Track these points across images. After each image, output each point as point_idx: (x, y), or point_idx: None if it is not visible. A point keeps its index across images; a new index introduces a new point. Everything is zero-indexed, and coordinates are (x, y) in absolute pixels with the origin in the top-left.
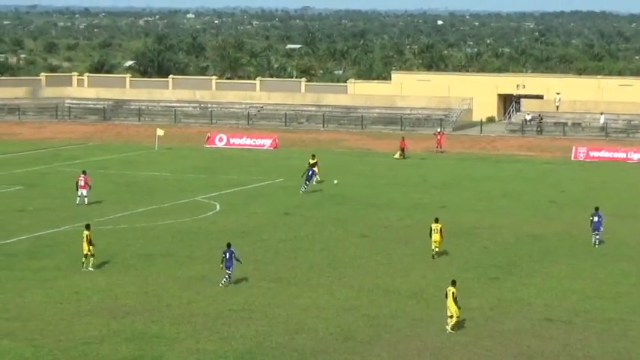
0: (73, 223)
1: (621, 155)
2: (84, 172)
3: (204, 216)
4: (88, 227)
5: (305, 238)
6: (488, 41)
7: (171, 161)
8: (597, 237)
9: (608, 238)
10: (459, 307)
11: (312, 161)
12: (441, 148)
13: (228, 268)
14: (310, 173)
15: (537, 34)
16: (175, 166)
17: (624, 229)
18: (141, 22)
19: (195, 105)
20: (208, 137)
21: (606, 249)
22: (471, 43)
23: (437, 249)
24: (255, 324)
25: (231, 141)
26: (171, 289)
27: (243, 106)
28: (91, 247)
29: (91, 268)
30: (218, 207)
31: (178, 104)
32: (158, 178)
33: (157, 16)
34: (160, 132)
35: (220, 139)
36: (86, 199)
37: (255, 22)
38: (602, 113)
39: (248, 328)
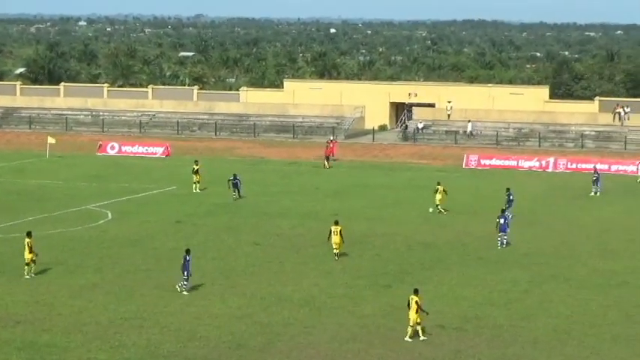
0: None
1: (512, 163)
2: None
3: (95, 224)
4: (29, 235)
5: (197, 246)
6: (380, 49)
7: (62, 169)
8: (504, 239)
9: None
10: (426, 313)
11: (195, 167)
12: (333, 156)
13: (183, 273)
14: (235, 181)
15: (429, 42)
16: (67, 175)
17: (514, 237)
18: (32, 29)
19: (86, 113)
20: (100, 145)
21: (496, 256)
22: (364, 51)
23: (337, 251)
24: (146, 332)
25: (123, 149)
26: (63, 297)
27: (135, 114)
28: (31, 255)
29: (32, 275)
30: (110, 215)
31: (70, 112)
32: (49, 187)
33: (49, 24)
34: (51, 140)
35: (112, 147)
36: None
37: (147, 30)
38: (469, 121)
39: (140, 337)
